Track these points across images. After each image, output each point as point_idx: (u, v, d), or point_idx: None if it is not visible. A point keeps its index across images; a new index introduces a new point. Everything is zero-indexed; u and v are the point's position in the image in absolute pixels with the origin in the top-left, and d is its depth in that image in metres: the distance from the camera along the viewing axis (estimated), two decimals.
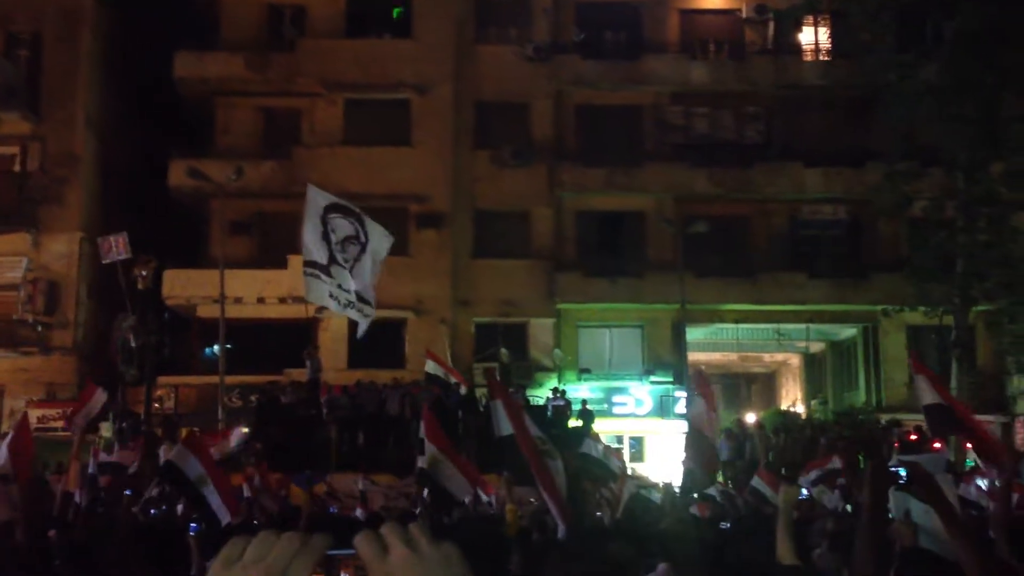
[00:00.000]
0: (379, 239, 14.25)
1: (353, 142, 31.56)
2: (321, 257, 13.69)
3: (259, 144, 31.93)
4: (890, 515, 5.11)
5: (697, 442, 12.35)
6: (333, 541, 1.27)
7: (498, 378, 13.98)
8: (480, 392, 26.17)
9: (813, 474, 12.63)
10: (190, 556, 8.79)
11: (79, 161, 30.62)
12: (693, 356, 31.14)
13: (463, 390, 25.24)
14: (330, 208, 13.97)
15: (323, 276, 13.60)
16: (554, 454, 10.03)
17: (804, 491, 8.40)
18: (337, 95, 31.95)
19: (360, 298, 13.96)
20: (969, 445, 10.78)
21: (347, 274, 13.78)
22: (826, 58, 33.17)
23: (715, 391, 13.91)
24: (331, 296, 13.73)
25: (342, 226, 13.97)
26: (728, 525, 10.83)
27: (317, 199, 14.11)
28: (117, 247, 24.98)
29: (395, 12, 32.34)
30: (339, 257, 13.78)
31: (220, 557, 1.22)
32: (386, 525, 1.30)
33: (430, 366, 25.29)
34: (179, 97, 32.14)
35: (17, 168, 30.69)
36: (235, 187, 27.70)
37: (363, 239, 14.08)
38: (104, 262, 25.62)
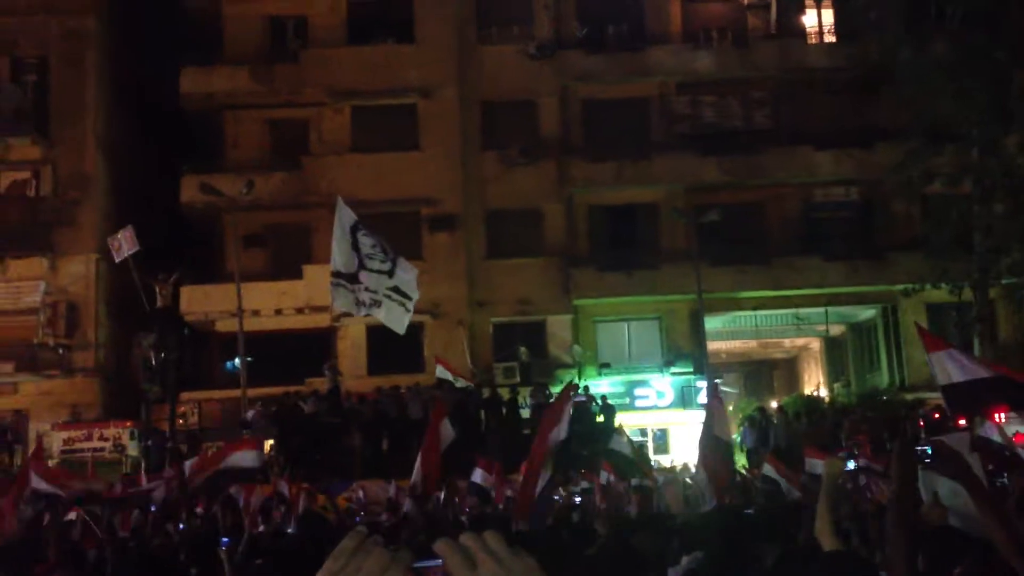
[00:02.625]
0: (409, 272, 14.06)
1: (361, 149, 31.61)
2: (349, 267, 13.57)
3: (268, 156, 32.03)
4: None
5: (710, 453, 12.03)
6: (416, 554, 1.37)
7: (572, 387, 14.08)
8: (502, 392, 26.22)
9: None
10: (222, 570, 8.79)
11: (91, 182, 30.76)
12: (713, 345, 31.07)
13: (486, 392, 25.28)
14: (357, 227, 13.85)
15: (348, 284, 13.52)
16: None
17: (851, 463, 8.21)
18: (343, 103, 32.01)
19: (399, 291, 13.75)
20: (999, 419, 10.60)
21: (376, 275, 13.59)
22: (831, 39, 33.04)
23: (719, 402, 13.73)
24: (358, 302, 13.58)
25: (369, 241, 13.82)
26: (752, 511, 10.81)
27: (346, 213, 13.99)
28: (125, 242, 24.91)
29: None
30: (369, 263, 13.61)
31: (323, 570, 1.35)
32: (465, 535, 1.38)
33: (440, 371, 25.34)
34: (186, 113, 32.27)
35: (31, 193, 30.85)
36: (247, 200, 27.78)
37: (392, 256, 13.92)
38: (117, 261, 25.55)
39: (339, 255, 13.61)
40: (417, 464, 13.53)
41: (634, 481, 13.85)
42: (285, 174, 31.11)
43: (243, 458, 13.53)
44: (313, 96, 31.76)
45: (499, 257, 31.52)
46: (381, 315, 13.74)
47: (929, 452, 4.99)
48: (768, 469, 12.71)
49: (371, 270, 13.55)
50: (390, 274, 13.56)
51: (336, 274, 13.60)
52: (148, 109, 32.32)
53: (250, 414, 24.15)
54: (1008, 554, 3.87)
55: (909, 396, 27.46)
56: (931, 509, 5.43)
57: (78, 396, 29.54)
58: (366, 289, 13.54)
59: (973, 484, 4.22)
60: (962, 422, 10.13)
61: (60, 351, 29.62)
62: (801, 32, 33.34)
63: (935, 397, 22.44)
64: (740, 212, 31.47)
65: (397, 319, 13.81)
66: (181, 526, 12.52)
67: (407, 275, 13.76)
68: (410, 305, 13.82)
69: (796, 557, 4.49)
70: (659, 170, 31.72)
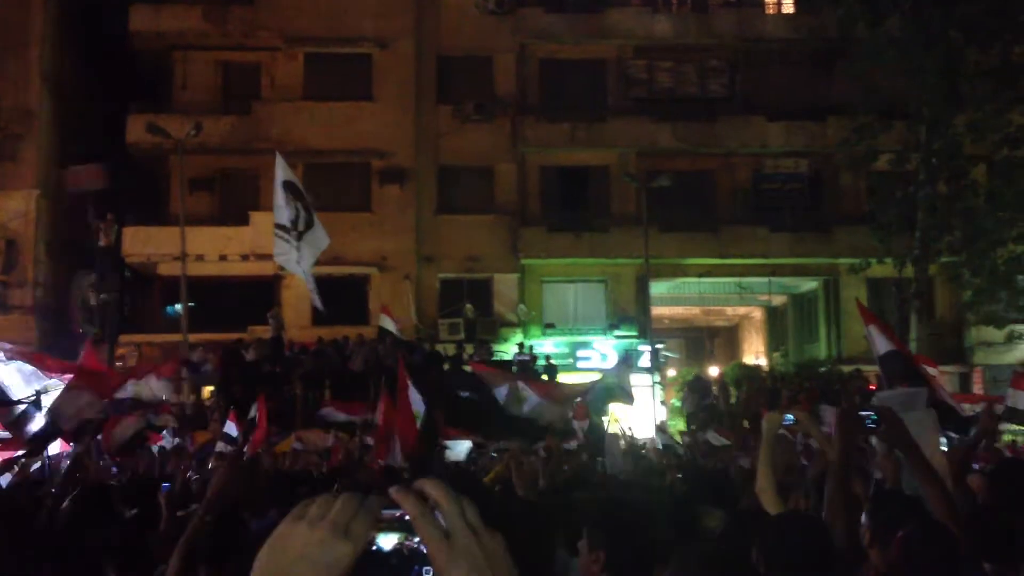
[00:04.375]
0: (322, 234, 14.22)
1: (314, 97, 31.22)
2: (287, 221, 13.75)
3: (218, 99, 31.51)
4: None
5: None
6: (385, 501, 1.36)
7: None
8: (444, 348, 26.22)
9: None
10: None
11: (35, 117, 30.04)
12: (657, 310, 31.33)
13: (426, 346, 25.28)
14: (288, 184, 14.05)
15: (291, 240, 13.67)
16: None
17: (789, 416, 8.23)
18: (297, 49, 31.55)
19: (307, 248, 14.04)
20: None
21: (302, 245, 13.85)
22: (789, 11, 33.16)
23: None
24: (297, 262, 13.82)
25: (295, 204, 14.03)
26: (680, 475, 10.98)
27: (282, 170, 14.18)
28: (90, 177, 24.33)
29: None
30: (298, 225, 13.87)
31: (291, 515, 1.33)
32: (448, 501, 1.35)
33: (383, 320, 25.16)
34: (136, 52, 31.58)
35: None
36: (194, 143, 27.35)
37: (307, 223, 14.09)
38: (71, 190, 24.97)
39: (280, 207, 13.80)
40: (393, 430, 13.54)
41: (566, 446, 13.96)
42: (235, 118, 30.64)
43: (153, 387, 13.46)
44: (267, 40, 31.24)
45: (449, 213, 31.41)
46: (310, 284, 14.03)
47: (874, 418, 5.09)
48: (712, 435, 12.91)
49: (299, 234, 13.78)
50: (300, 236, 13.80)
51: (280, 226, 13.73)
52: (96, 46, 31.55)
53: (195, 355, 23.89)
54: (941, 515, 3.98)
55: (846, 368, 27.94)
56: (884, 460, 5.49)
57: (15, 333, 28.94)
58: (299, 258, 13.75)
59: (907, 447, 4.33)
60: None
61: None
62: (761, 2, 33.41)
63: (871, 369, 22.88)
64: (691, 179, 31.64)
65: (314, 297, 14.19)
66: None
67: (318, 242, 13.99)
68: (312, 287, 14.10)
69: (742, 520, 4.54)
70: (613, 133, 31.74)
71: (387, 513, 1.37)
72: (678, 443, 16.47)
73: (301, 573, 1.29)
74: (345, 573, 1.30)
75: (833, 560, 3.43)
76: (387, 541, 1.35)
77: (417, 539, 1.35)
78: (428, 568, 1.32)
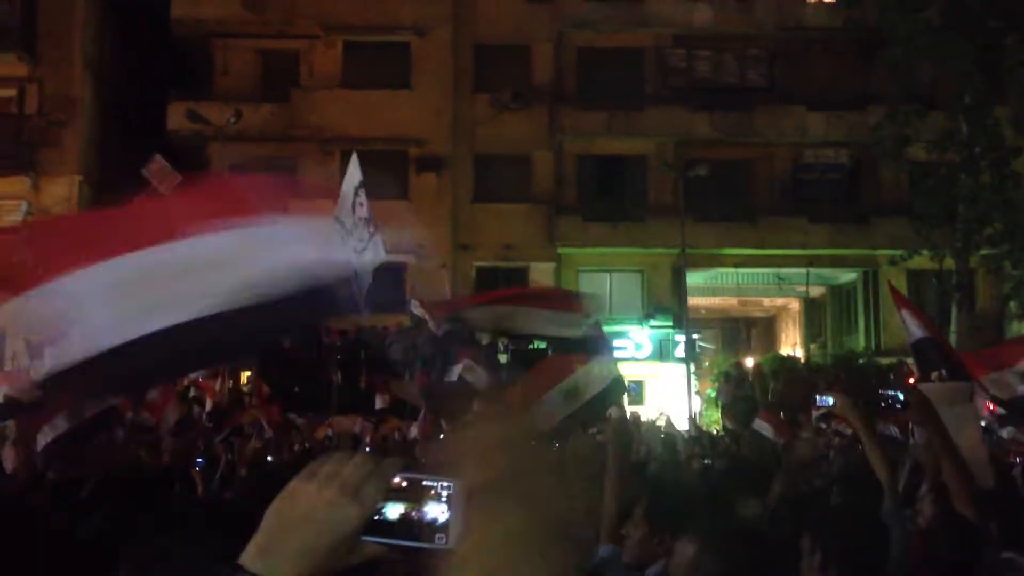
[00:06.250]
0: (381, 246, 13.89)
1: (352, 85, 31.34)
2: (346, 220, 13.44)
3: (258, 87, 31.73)
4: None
5: None
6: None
7: None
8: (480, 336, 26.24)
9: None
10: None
11: (77, 103, 30.39)
12: (693, 300, 31.19)
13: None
14: (356, 190, 13.70)
15: (344, 236, 13.41)
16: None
17: (828, 398, 8.37)
18: (336, 37, 31.67)
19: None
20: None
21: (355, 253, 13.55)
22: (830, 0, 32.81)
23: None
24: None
25: (364, 211, 13.71)
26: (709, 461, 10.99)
27: (356, 171, 13.82)
28: (169, 178, 24.39)
29: None
30: (355, 233, 13.55)
31: (303, 472, 1.31)
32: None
33: (415, 307, 25.14)
34: (177, 39, 31.84)
35: (15, 111, 30.47)
36: (233, 130, 27.57)
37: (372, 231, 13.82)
38: (148, 178, 25.01)
39: (342, 204, 13.52)
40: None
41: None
42: (274, 106, 30.85)
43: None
44: (305, 28, 31.39)
45: (485, 201, 31.44)
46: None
47: (899, 397, 5.17)
48: (759, 424, 12.84)
49: (356, 240, 13.48)
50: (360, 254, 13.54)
51: (337, 220, 13.51)
52: (137, 33, 31.84)
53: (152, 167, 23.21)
54: (960, 504, 4.02)
55: (884, 360, 27.69)
56: (924, 451, 5.57)
57: None
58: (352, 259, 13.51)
59: (935, 432, 4.36)
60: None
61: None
62: None
63: (912, 362, 22.65)
64: (728, 169, 31.45)
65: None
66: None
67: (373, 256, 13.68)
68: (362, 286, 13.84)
69: (779, 507, 4.61)
70: (650, 122, 31.60)
71: (413, 477, 1.36)
72: (713, 432, 16.44)
73: (305, 533, 1.27)
74: (351, 536, 1.28)
75: (888, 559, 3.44)
76: (394, 510, 1.33)
77: (426, 508, 1.34)
78: (441, 535, 1.32)
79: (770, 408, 15.47)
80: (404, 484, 1.33)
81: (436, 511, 1.33)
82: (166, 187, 23.80)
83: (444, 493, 1.33)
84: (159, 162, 24.57)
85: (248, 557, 1.26)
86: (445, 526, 1.33)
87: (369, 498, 1.29)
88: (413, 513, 1.33)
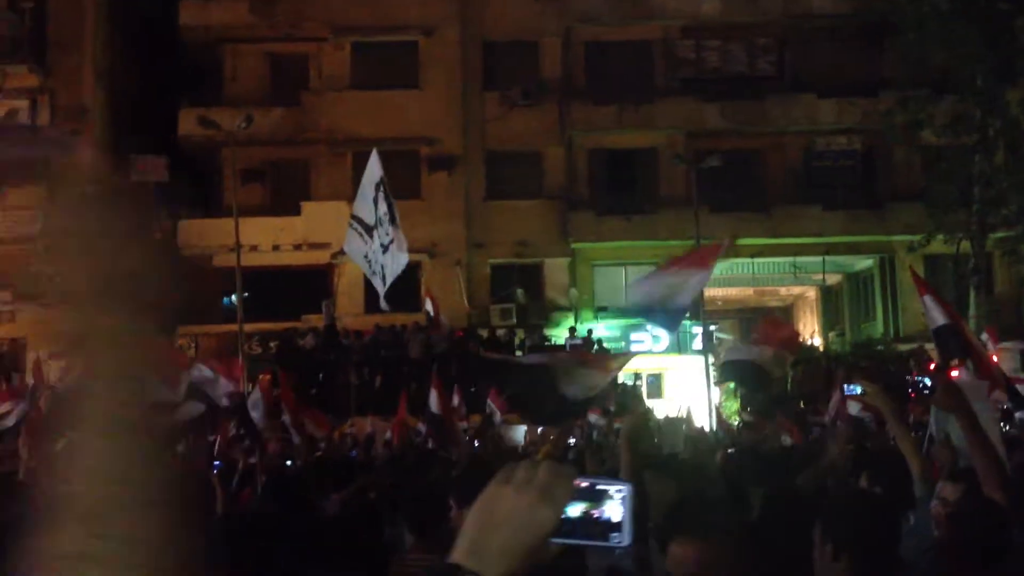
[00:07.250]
0: (404, 256, 13.61)
1: (361, 86, 31.40)
2: (367, 217, 13.30)
3: (267, 91, 31.81)
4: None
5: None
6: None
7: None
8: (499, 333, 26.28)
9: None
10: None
11: (88, 113, 30.54)
12: (709, 292, 31.06)
13: (483, 333, 25.35)
14: (378, 186, 13.53)
15: (364, 236, 13.23)
16: None
17: (856, 387, 8.39)
18: (344, 39, 31.72)
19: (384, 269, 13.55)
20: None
21: (380, 249, 13.29)
22: None
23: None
24: (365, 258, 13.31)
25: (384, 208, 13.50)
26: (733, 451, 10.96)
27: (376, 167, 13.70)
28: (154, 169, 24.59)
29: None
30: (379, 229, 13.34)
31: (497, 478, 1.40)
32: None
33: (429, 306, 25.15)
34: (186, 45, 31.95)
35: (27, 121, 30.62)
36: (245, 135, 27.61)
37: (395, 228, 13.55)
38: (132, 179, 25.32)
39: (361, 202, 13.38)
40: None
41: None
42: (284, 109, 30.93)
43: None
44: (313, 31, 31.46)
45: (498, 198, 31.44)
46: (376, 283, 13.51)
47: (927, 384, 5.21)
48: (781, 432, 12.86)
49: (379, 237, 13.22)
50: (385, 249, 13.29)
51: (356, 218, 13.40)
52: (147, 41, 31.96)
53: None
54: (989, 488, 4.00)
55: (903, 347, 27.56)
56: (940, 449, 5.58)
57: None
58: (371, 252, 13.26)
59: (966, 417, 4.33)
60: (954, 373, 10.22)
61: (57, 280, 29.61)
62: None
63: (932, 347, 22.58)
64: (741, 159, 31.36)
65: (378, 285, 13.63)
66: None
67: (399, 258, 13.43)
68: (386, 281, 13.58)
69: (784, 498, 4.59)
70: (661, 115, 31.54)
71: (591, 482, 1.43)
72: (733, 424, 16.39)
73: (506, 535, 1.35)
74: (547, 536, 1.37)
75: (899, 540, 3.43)
76: (574, 510, 1.39)
77: (604, 508, 1.42)
78: (616, 535, 1.38)
79: (789, 400, 15.46)
80: (584, 485, 1.41)
81: (612, 511, 1.41)
82: (157, 175, 23.95)
83: (618, 495, 1.42)
84: (143, 161, 24.79)
85: (461, 556, 1.35)
86: (619, 525, 1.40)
87: (561, 500, 1.38)
88: (593, 513, 1.41)
